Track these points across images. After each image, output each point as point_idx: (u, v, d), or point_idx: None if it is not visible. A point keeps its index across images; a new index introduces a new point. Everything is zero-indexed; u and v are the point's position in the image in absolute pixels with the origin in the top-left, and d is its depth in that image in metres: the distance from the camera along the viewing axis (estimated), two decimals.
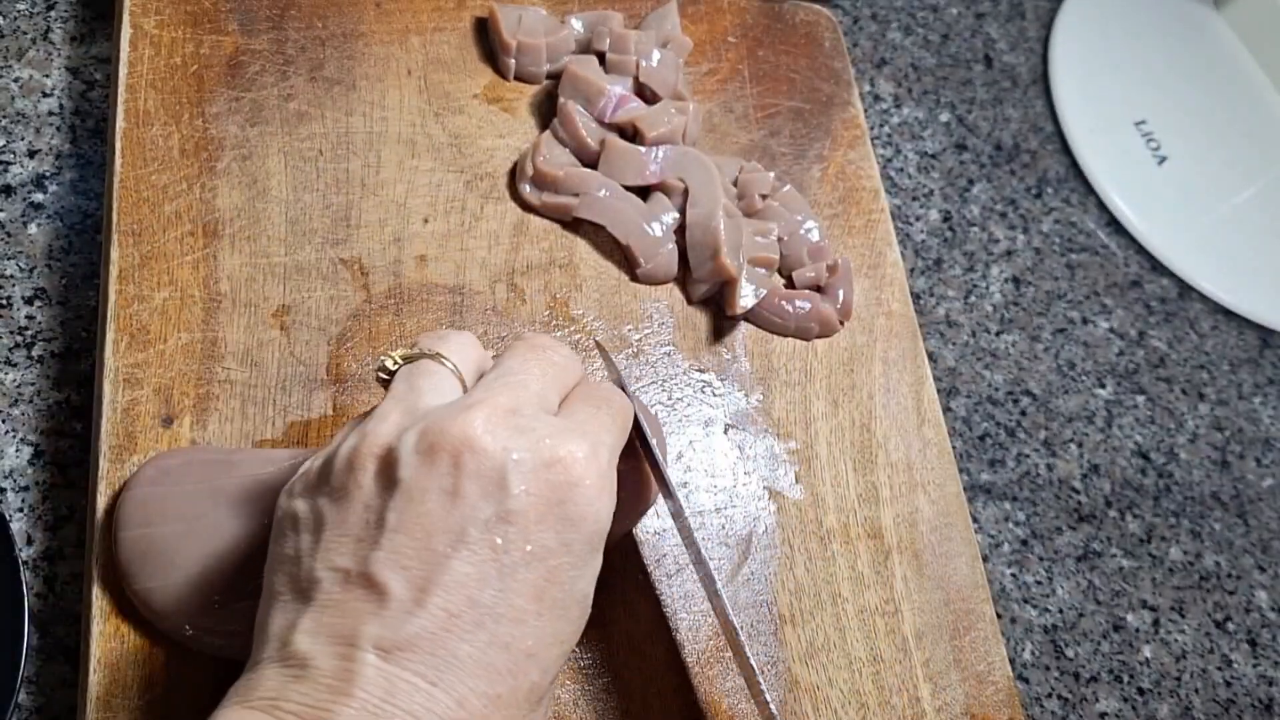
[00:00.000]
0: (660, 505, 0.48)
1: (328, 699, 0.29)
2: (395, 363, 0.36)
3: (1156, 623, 0.59)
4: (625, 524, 0.44)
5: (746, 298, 0.51)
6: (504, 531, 0.31)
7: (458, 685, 0.29)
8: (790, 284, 0.55)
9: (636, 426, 0.40)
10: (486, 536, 0.31)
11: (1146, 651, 0.58)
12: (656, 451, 0.41)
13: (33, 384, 0.48)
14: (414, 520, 0.31)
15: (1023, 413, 0.64)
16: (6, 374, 0.48)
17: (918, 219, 0.68)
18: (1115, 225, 0.73)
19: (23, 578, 0.41)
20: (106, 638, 0.39)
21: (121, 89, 0.49)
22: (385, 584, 0.30)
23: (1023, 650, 0.56)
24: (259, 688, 0.30)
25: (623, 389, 0.40)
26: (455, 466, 0.31)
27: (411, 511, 0.31)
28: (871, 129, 0.70)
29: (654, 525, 0.47)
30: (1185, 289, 0.72)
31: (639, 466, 0.41)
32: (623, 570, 0.46)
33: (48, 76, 0.55)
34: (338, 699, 0.28)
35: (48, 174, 0.52)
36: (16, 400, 0.47)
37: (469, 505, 0.31)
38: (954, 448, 0.56)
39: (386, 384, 0.36)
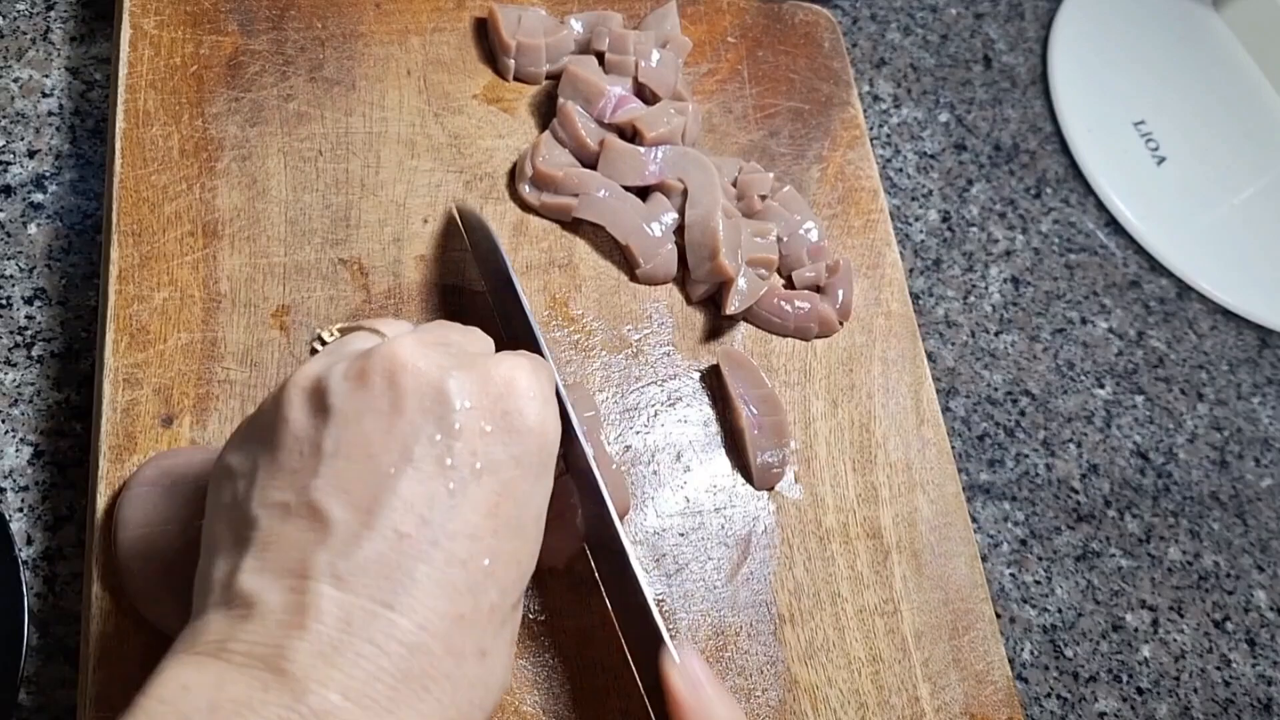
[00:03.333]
0: (663, 506, 0.48)
1: (279, 634, 0.27)
2: (331, 334, 0.36)
3: (1155, 622, 0.60)
4: (561, 553, 0.44)
5: (733, 302, 0.51)
6: (450, 446, 0.30)
7: (418, 607, 0.28)
8: (790, 284, 0.55)
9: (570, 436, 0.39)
10: (432, 452, 0.29)
11: (1145, 651, 0.59)
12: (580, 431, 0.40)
13: (33, 384, 0.48)
14: (352, 442, 0.29)
15: (1022, 413, 0.64)
16: (6, 374, 0.48)
17: (917, 219, 0.68)
18: (1114, 225, 0.73)
19: (23, 578, 0.41)
20: (106, 638, 0.39)
21: (121, 89, 0.49)
22: (327, 510, 0.29)
23: (1022, 650, 0.56)
24: (204, 633, 0.28)
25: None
26: (391, 385, 0.30)
27: (350, 435, 0.29)
28: (871, 129, 0.70)
29: (653, 525, 0.47)
30: (1184, 289, 0.72)
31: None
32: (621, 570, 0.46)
33: (47, 77, 0.55)
34: (290, 633, 0.27)
35: (47, 174, 0.52)
36: (16, 400, 0.47)
37: (410, 421, 0.30)
38: (953, 448, 0.56)
39: None
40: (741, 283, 0.51)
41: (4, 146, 0.52)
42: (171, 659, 0.28)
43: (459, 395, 0.30)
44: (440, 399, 0.30)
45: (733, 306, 0.51)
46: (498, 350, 0.38)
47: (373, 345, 0.33)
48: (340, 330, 0.36)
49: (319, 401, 0.31)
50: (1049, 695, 0.56)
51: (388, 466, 0.29)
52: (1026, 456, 0.62)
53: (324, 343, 0.36)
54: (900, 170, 0.70)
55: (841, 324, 0.55)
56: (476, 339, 0.36)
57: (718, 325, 0.53)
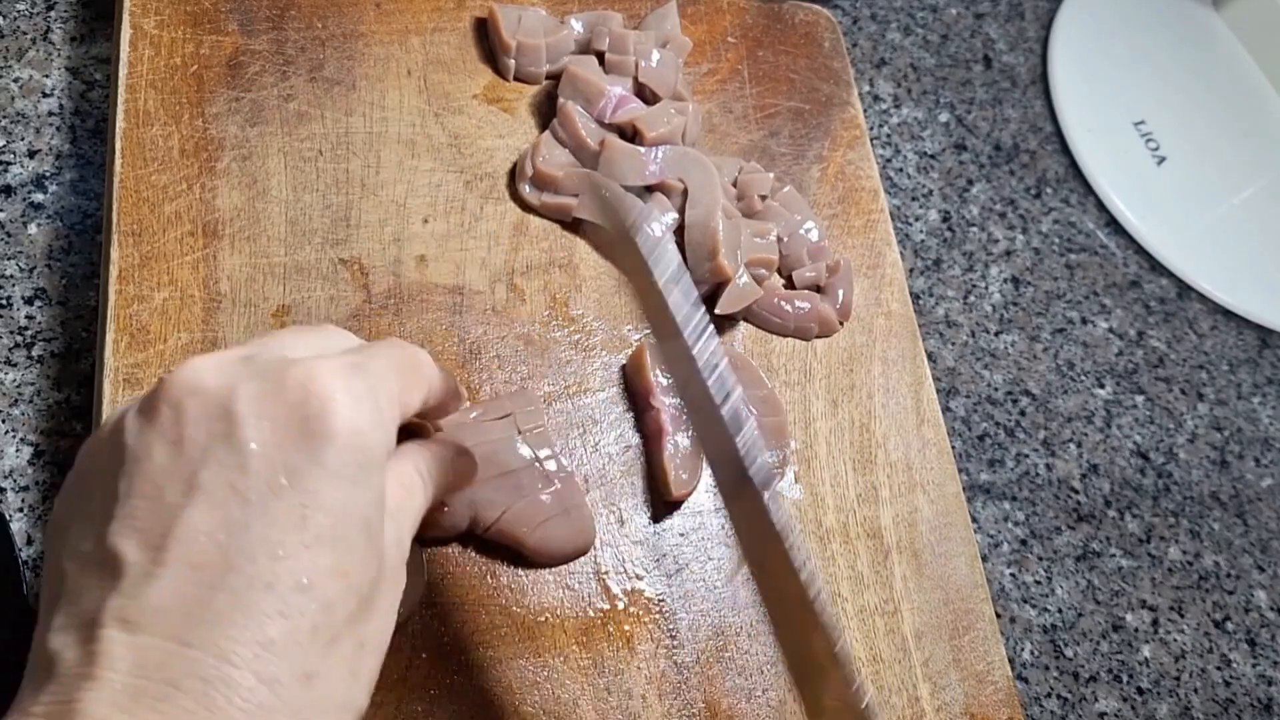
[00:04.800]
0: (663, 506, 0.48)
1: (73, 689, 0.26)
2: None
3: (1155, 622, 0.60)
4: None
5: (723, 302, 0.51)
6: (240, 463, 0.28)
7: (218, 639, 0.26)
8: (790, 284, 0.55)
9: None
10: (221, 475, 0.28)
11: (1146, 651, 0.59)
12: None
13: (33, 384, 0.48)
14: (143, 480, 0.28)
15: (1022, 413, 0.64)
16: (6, 374, 0.48)
17: (917, 219, 0.68)
18: (1114, 225, 0.73)
19: (23, 577, 0.41)
20: None
21: (121, 89, 0.49)
22: (120, 553, 0.27)
23: (1022, 650, 0.56)
24: (16, 704, 0.27)
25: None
26: (177, 414, 0.29)
27: (140, 473, 0.28)
28: (871, 129, 0.70)
29: (652, 525, 0.47)
30: (1184, 289, 0.72)
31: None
32: (621, 568, 0.46)
33: (48, 77, 0.55)
34: (82, 685, 0.26)
35: (48, 174, 0.52)
36: (16, 400, 0.47)
37: (195, 446, 0.28)
38: (953, 447, 0.56)
39: None
40: (739, 283, 0.51)
41: (4, 146, 0.52)
42: None
43: (248, 410, 0.28)
44: (226, 418, 0.28)
45: (723, 307, 0.51)
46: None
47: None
48: None
49: (115, 445, 0.29)
50: (1049, 695, 0.56)
51: (176, 497, 0.28)
52: (1027, 456, 0.62)
53: None
54: (900, 170, 0.70)
55: (841, 324, 0.55)
56: (320, 339, 0.33)
57: (717, 325, 0.53)
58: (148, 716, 0.25)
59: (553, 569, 0.45)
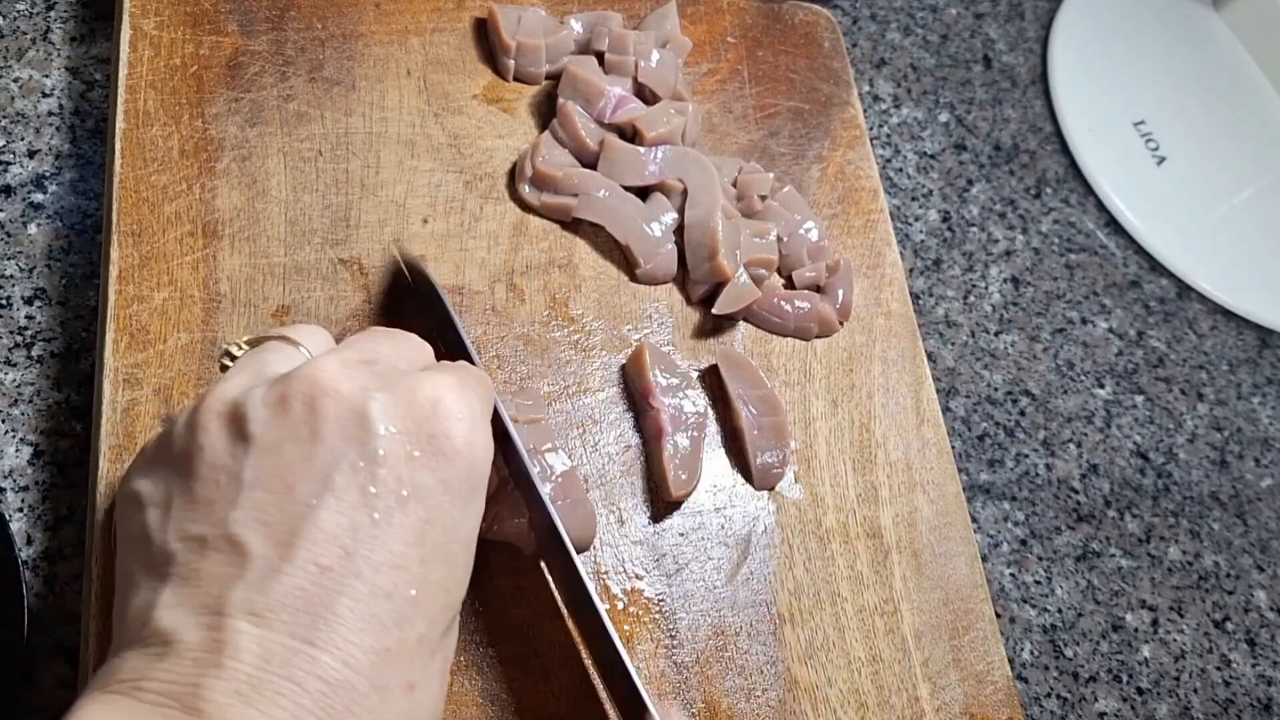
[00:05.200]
0: (663, 506, 0.48)
1: (195, 672, 0.26)
2: (240, 348, 0.34)
3: (1155, 622, 0.60)
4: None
5: (721, 303, 0.51)
6: (372, 473, 0.28)
7: (340, 642, 0.27)
8: (790, 284, 0.55)
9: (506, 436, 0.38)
10: (354, 480, 0.28)
11: (1145, 651, 0.59)
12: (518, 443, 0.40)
13: (32, 384, 0.48)
14: (272, 472, 0.28)
15: (1022, 413, 0.64)
16: (6, 374, 0.48)
17: (917, 219, 0.68)
18: (1114, 225, 0.73)
19: (23, 578, 0.41)
20: (106, 638, 0.39)
21: (121, 89, 0.49)
22: (246, 543, 0.27)
23: (1022, 650, 0.56)
24: (119, 671, 0.27)
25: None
26: (311, 412, 0.29)
27: (268, 464, 0.28)
28: (871, 129, 0.70)
29: (652, 525, 0.47)
30: (1184, 289, 0.72)
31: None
32: (620, 568, 0.46)
33: (47, 77, 0.55)
34: (207, 671, 0.26)
35: (47, 174, 0.52)
36: (16, 400, 0.47)
37: (331, 449, 0.28)
38: (953, 447, 0.56)
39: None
40: (738, 283, 0.51)
41: (4, 146, 0.52)
42: (86, 697, 0.27)
43: (382, 419, 0.29)
44: (363, 424, 0.29)
45: (720, 307, 0.51)
46: (438, 358, 0.36)
47: (292, 365, 0.31)
48: (249, 343, 0.33)
49: (238, 428, 0.29)
50: (1049, 695, 0.56)
51: (308, 497, 0.28)
52: (1026, 456, 0.62)
53: (233, 358, 0.34)
54: (900, 170, 0.70)
55: (841, 324, 0.55)
56: (409, 349, 0.34)
57: (717, 325, 0.53)
58: (267, 709, 0.26)
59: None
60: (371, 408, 0.29)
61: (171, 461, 0.30)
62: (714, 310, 0.51)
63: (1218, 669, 0.59)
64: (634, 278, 0.53)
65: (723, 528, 0.48)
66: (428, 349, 0.36)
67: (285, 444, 0.29)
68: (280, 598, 0.27)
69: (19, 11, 0.56)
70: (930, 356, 0.62)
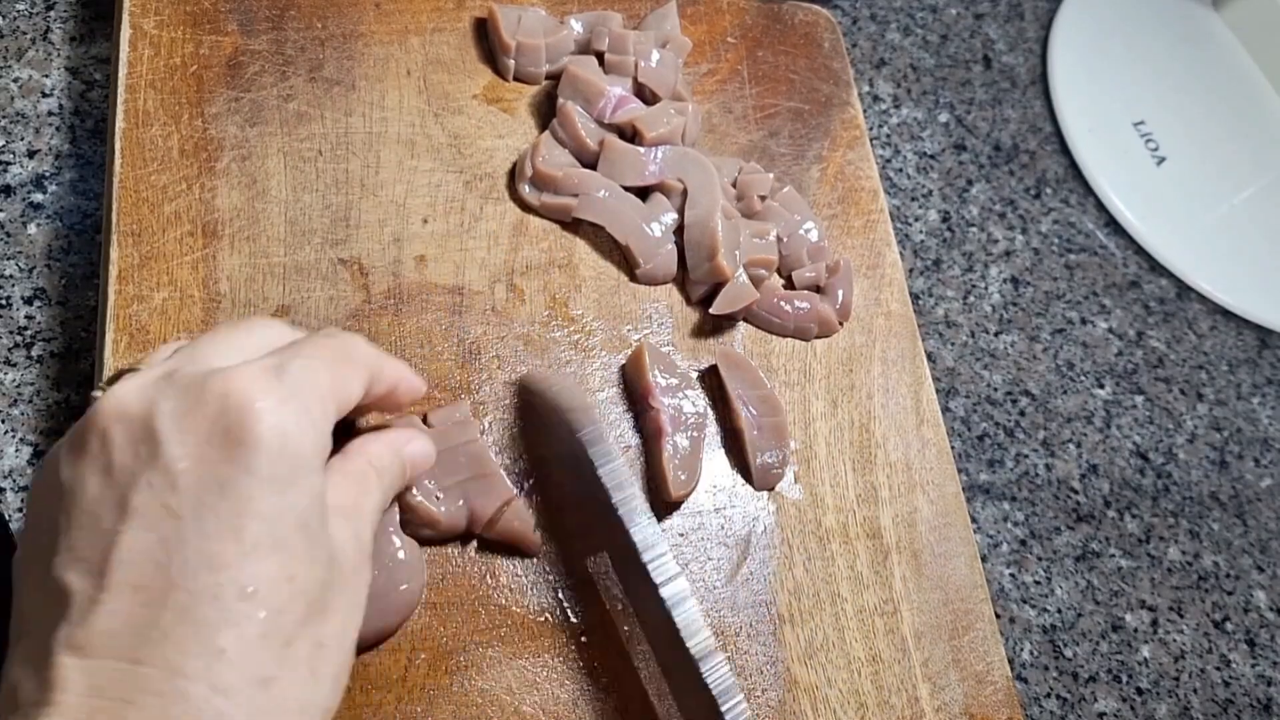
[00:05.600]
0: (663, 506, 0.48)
1: (31, 717, 0.26)
2: (101, 390, 0.33)
3: (1155, 623, 0.60)
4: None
5: (719, 303, 0.51)
6: (170, 482, 0.28)
7: (168, 654, 0.27)
8: (790, 284, 0.55)
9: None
10: (153, 497, 0.28)
11: (1145, 651, 0.59)
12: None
13: (32, 384, 0.48)
14: (79, 511, 0.29)
15: (1021, 413, 0.64)
16: (6, 374, 0.48)
17: (917, 219, 0.68)
18: (1114, 225, 0.73)
19: None
20: None
21: (121, 89, 0.49)
22: (66, 582, 0.28)
23: (1021, 650, 0.56)
24: None
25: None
26: (104, 443, 0.29)
27: (76, 503, 0.29)
28: (870, 129, 0.70)
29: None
30: (1184, 289, 0.72)
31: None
32: (620, 569, 0.46)
33: (47, 77, 0.55)
34: (40, 711, 0.26)
35: (47, 174, 0.52)
36: (16, 400, 0.47)
37: (123, 473, 0.29)
38: (953, 448, 0.56)
39: None
40: (737, 283, 0.51)
41: (4, 146, 0.52)
42: None
43: (170, 428, 0.29)
44: (150, 439, 0.29)
45: (718, 307, 0.51)
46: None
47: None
48: (106, 384, 0.33)
49: (53, 480, 0.30)
50: (1049, 695, 0.56)
51: (113, 524, 0.28)
52: (1026, 457, 0.62)
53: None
54: (900, 170, 0.70)
55: (841, 324, 0.55)
56: (247, 338, 0.33)
57: (717, 325, 0.53)
58: None
59: (553, 568, 0.45)
60: (159, 421, 0.29)
61: (25, 534, 0.31)
62: (711, 310, 0.51)
63: (1217, 669, 0.59)
64: (634, 278, 0.53)
65: (722, 528, 0.48)
66: (280, 334, 0.34)
67: (87, 480, 0.29)
68: (101, 626, 0.27)
69: (19, 11, 0.56)
70: (930, 357, 0.62)
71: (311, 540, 0.30)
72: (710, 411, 0.50)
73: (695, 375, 0.51)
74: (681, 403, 0.49)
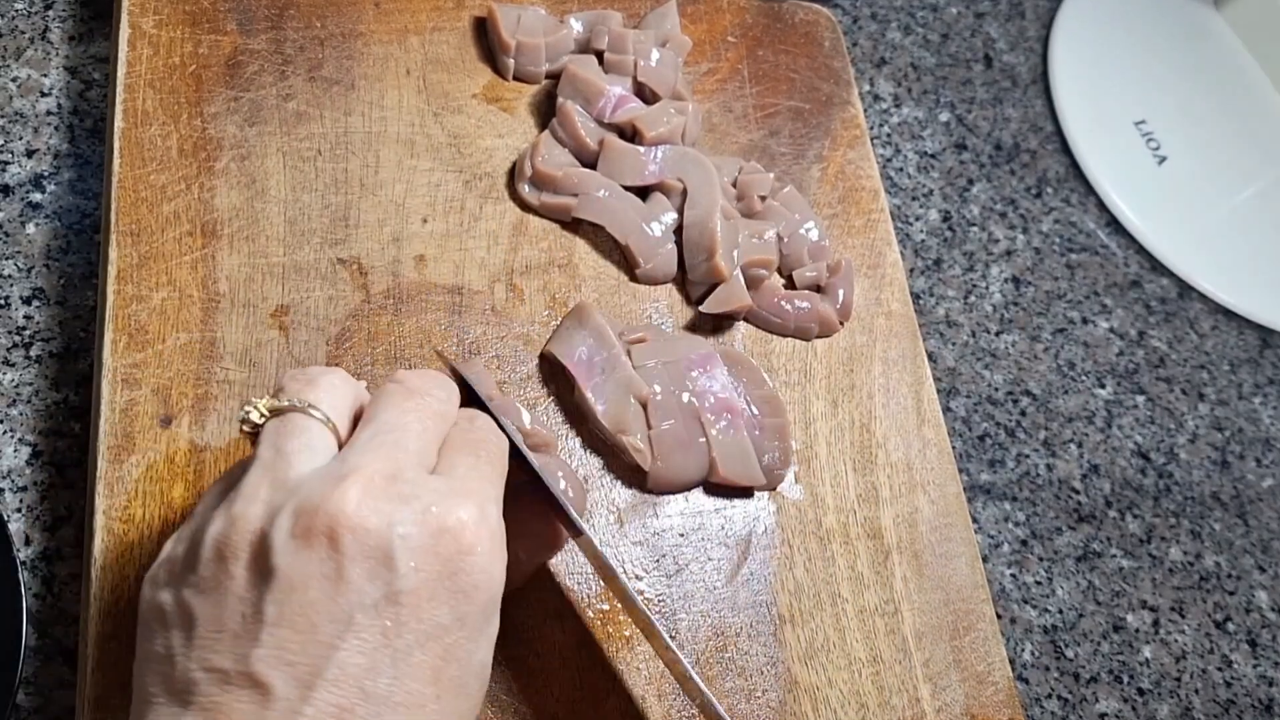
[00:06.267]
0: (663, 506, 0.48)
1: None
2: (261, 414, 0.33)
3: (1156, 623, 0.59)
4: (527, 568, 0.42)
5: (710, 304, 0.51)
6: (395, 614, 0.29)
7: None
8: (790, 284, 0.55)
9: (526, 465, 0.38)
10: (376, 621, 0.29)
11: (1146, 652, 0.58)
12: (555, 487, 0.39)
13: (31, 384, 0.48)
14: (296, 611, 0.28)
15: (1022, 413, 0.64)
16: (4, 374, 0.48)
17: (917, 219, 0.68)
18: (1115, 225, 0.73)
19: (21, 578, 0.41)
20: (105, 639, 0.39)
21: (120, 89, 0.49)
22: (269, 682, 0.28)
23: (1022, 651, 0.56)
24: None
25: (495, 420, 0.38)
26: (335, 549, 0.29)
27: (293, 602, 0.29)
28: (871, 129, 0.70)
29: (652, 525, 0.47)
30: (1185, 289, 0.72)
31: (532, 504, 0.40)
32: (620, 568, 0.46)
33: (46, 76, 0.55)
34: None
35: (46, 174, 0.52)
36: (15, 400, 0.47)
37: (354, 589, 0.29)
38: (954, 448, 0.56)
39: (253, 437, 0.33)
40: (733, 282, 0.51)
41: (2, 146, 0.52)
42: None
43: (405, 557, 0.29)
44: (387, 562, 0.29)
45: (709, 306, 0.51)
46: (463, 404, 0.37)
47: (316, 453, 0.31)
48: (269, 410, 0.33)
49: (263, 562, 0.29)
50: (1050, 696, 0.56)
51: (331, 637, 0.28)
52: (1027, 457, 0.62)
53: (254, 425, 0.33)
54: (901, 170, 0.69)
55: (842, 324, 0.55)
56: (433, 416, 0.34)
57: (717, 325, 0.53)
58: None
59: (552, 569, 0.45)
60: (395, 545, 0.29)
61: (196, 583, 0.30)
62: (702, 309, 0.51)
63: (1219, 670, 0.59)
64: (634, 278, 0.52)
65: (723, 528, 0.48)
66: (454, 405, 0.35)
67: (309, 581, 0.29)
68: None
69: (17, 11, 0.56)
70: (931, 356, 0.62)
71: (482, 684, 0.32)
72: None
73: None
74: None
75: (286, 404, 0.33)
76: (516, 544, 0.35)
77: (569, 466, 0.46)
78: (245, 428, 0.33)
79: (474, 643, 0.31)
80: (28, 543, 0.45)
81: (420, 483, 0.31)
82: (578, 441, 0.48)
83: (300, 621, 0.28)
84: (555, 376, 0.49)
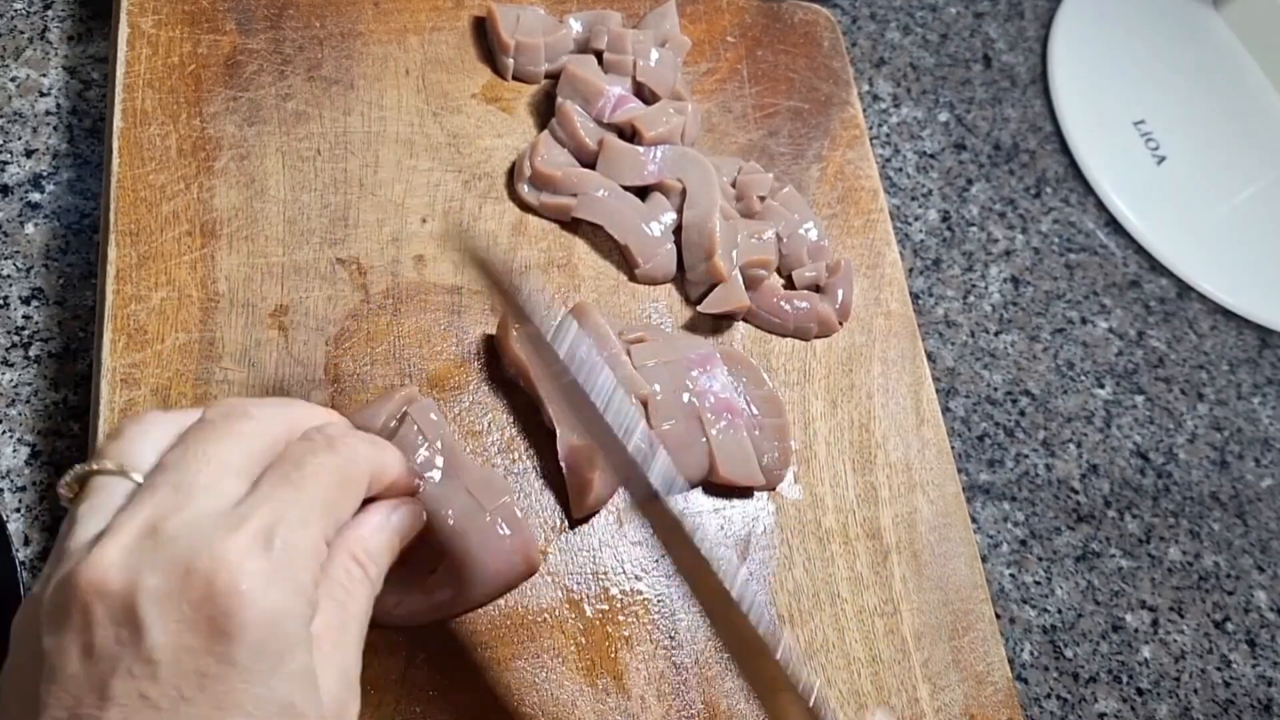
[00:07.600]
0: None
1: None
2: (70, 489, 0.31)
3: (1155, 623, 0.59)
4: (402, 613, 0.41)
5: (709, 304, 0.51)
6: (150, 672, 0.27)
7: None
8: (790, 284, 0.55)
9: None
10: (133, 686, 0.27)
11: (1145, 652, 0.58)
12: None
13: (30, 384, 0.48)
14: (60, 690, 0.27)
15: (1021, 413, 0.64)
16: (4, 374, 0.47)
17: (916, 219, 0.68)
18: (1114, 225, 0.73)
19: (20, 578, 0.41)
20: None
21: (119, 88, 0.49)
22: None
23: (1022, 650, 0.56)
24: None
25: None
26: (86, 619, 0.28)
27: (56, 682, 0.27)
28: (870, 129, 0.70)
29: None
30: (1184, 289, 0.72)
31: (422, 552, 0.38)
32: (620, 568, 0.46)
33: (45, 76, 0.55)
34: None
35: (45, 174, 0.52)
36: (14, 400, 0.47)
37: (105, 658, 0.27)
38: (953, 448, 0.56)
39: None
40: (732, 282, 0.51)
41: (1, 146, 0.52)
42: None
43: (153, 613, 0.27)
44: (132, 622, 0.27)
45: (707, 306, 0.51)
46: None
47: (79, 553, 0.29)
48: (75, 479, 0.31)
49: (33, 644, 0.28)
50: (1049, 696, 0.56)
51: (92, 710, 0.27)
52: (1026, 457, 0.62)
53: (68, 501, 0.32)
54: (900, 170, 0.69)
55: (841, 324, 0.55)
56: (231, 469, 0.31)
57: (716, 325, 0.53)
58: None
59: (552, 569, 0.45)
60: (141, 602, 0.27)
61: (8, 670, 0.30)
62: (700, 309, 0.51)
63: (1218, 669, 0.59)
64: (633, 278, 0.52)
65: (722, 528, 0.48)
66: (281, 424, 0.33)
67: (69, 657, 0.28)
68: None
69: (16, 10, 0.56)
70: (930, 356, 0.62)
71: (296, 715, 0.29)
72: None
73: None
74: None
75: (86, 470, 0.31)
76: (393, 590, 0.33)
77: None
78: (64, 504, 0.32)
79: (261, 682, 0.28)
80: (27, 543, 0.45)
81: (190, 523, 0.29)
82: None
83: (65, 699, 0.27)
84: None
